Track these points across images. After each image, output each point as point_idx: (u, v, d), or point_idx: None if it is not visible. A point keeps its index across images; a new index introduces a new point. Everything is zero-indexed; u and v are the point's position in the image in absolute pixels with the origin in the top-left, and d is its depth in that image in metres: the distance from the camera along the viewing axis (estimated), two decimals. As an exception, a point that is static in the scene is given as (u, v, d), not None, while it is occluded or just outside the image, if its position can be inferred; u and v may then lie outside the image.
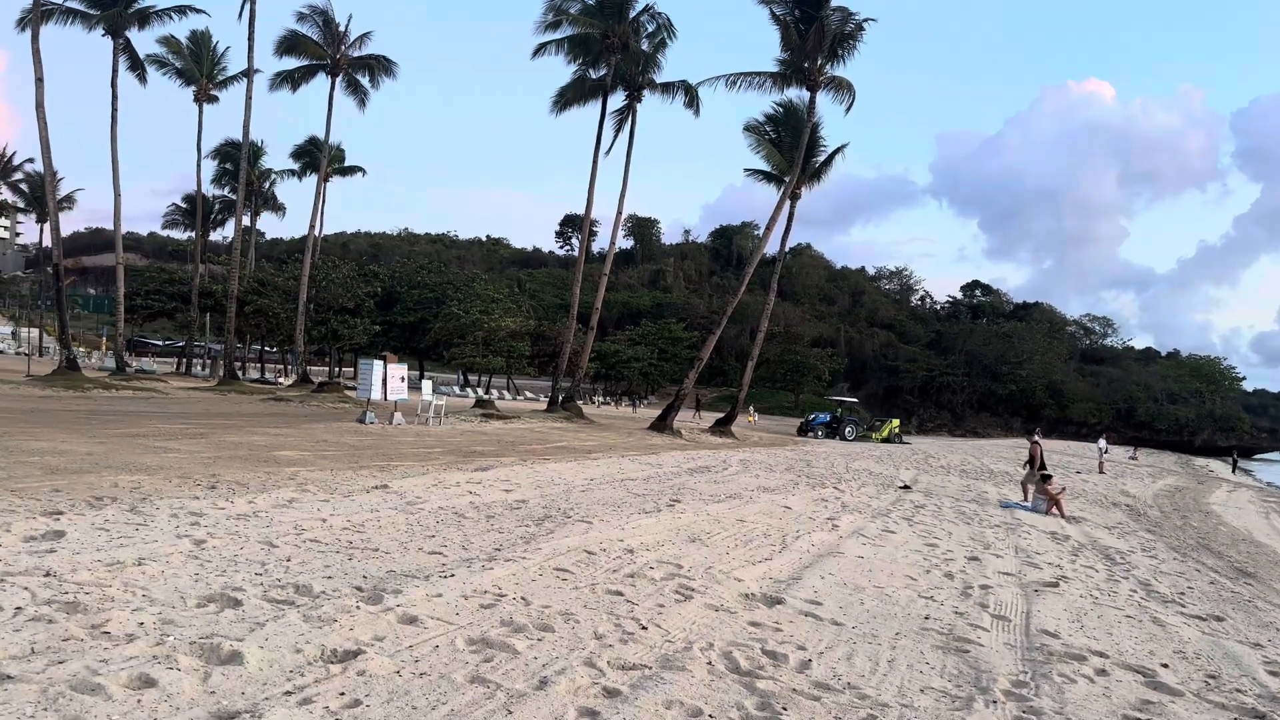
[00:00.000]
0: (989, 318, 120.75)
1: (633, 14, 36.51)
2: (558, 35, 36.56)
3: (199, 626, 4.71)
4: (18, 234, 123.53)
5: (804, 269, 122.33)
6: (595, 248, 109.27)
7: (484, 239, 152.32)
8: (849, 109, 35.47)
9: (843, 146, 39.44)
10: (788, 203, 36.98)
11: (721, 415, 40.00)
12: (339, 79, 42.96)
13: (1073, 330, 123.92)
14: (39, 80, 32.11)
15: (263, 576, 6.01)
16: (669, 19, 36.90)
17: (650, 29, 37.22)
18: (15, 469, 9.95)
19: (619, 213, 39.28)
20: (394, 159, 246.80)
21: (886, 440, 47.91)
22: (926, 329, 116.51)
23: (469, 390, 65.13)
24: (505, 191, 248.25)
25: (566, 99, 38.61)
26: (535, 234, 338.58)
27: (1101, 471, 37.38)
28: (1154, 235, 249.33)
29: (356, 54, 43.29)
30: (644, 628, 5.70)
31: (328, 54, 42.51)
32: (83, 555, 6.09)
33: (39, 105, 32.35)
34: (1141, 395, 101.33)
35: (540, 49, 36.65)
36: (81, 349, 67.56)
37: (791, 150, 36.57)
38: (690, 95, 37.37)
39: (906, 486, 19.71)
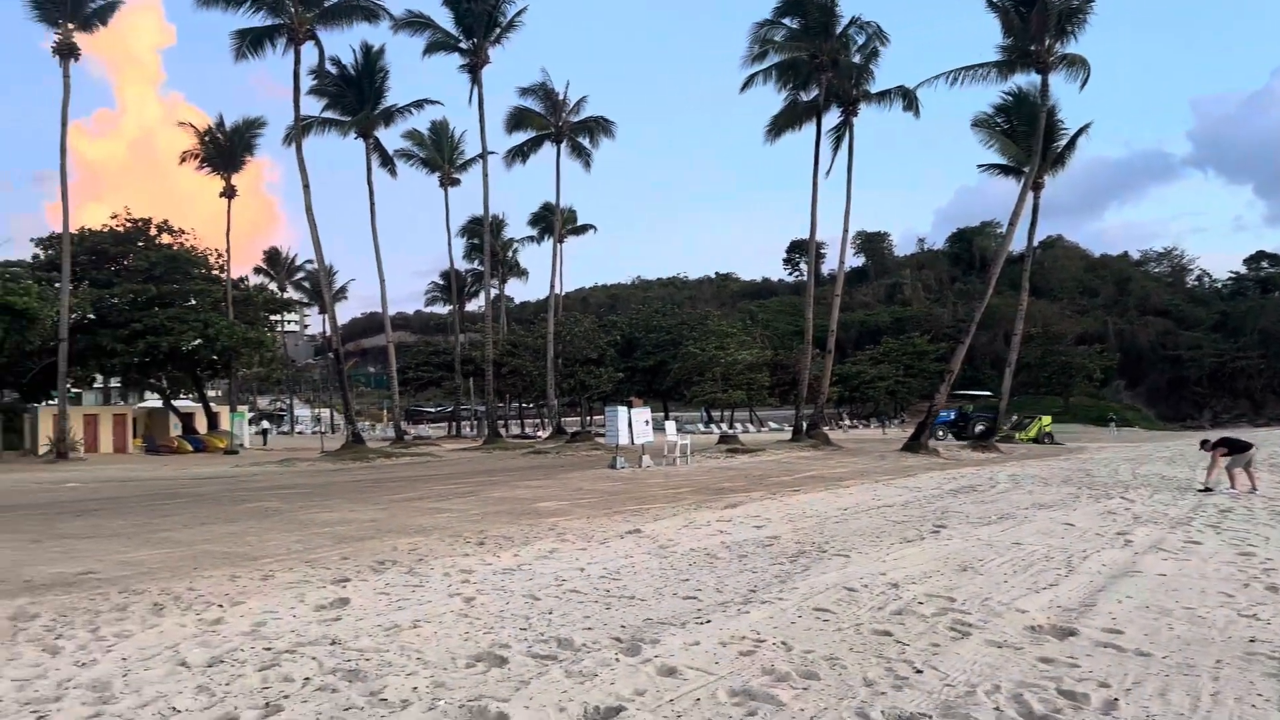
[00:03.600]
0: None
1: (839, 29, 35.89)
2: (765, 65, 36.61)
3: (468, 688, 4.85)
4: (306, 326, 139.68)
5: (1057, 262, 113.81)
6: (825, 269, 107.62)
7: (713, 276, 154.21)
8: (1084, 85, 32.73)
9: (1085, 127, 36.62)
10: (1030, 194, 34.64)
11: (984, 428, 37.67)
12: (563, 145, 45.39)
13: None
14: (305, 187, 36.30)
15: (526, 632, 6.15)
16: (879, 26, 35.94)
17: (860, 40, 36.44)
18: (311, 540, 10.99)
19: (845, 230, 38.50)
20: (621, 210, 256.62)
21: (1035, 440, 41.81)
22: (1209, 311, 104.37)
23: (713, 426, 65.65)
24: (730, 225, 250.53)
25: (779, 126, 38.49)
26: (763, 264, 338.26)
27: None
28: None
29: (576, 119, 45.62)
30: (918, 671, 5.26)
31: (551, 124, 45.08)
32: (364, 621, 6.52)
33: (308, 210, 36.52)
34: None
35: (749, 81, 36.83)
36: (367, 422, 75.06)
37: (1027, 139, 34.27)
38: (909, 99, 36.09)
39: (1207, 489, 17.48)
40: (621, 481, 19.82)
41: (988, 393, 52.36)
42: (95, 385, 56.23)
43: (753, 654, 5.57)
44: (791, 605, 6.97)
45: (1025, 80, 34.49)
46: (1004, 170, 37.59)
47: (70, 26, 35.63)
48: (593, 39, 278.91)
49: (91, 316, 42.26)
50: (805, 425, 37.76)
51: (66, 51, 35.66)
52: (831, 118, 37.70)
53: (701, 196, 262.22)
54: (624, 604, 7.07)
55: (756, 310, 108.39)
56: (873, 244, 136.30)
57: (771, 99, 38.32)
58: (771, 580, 8.05)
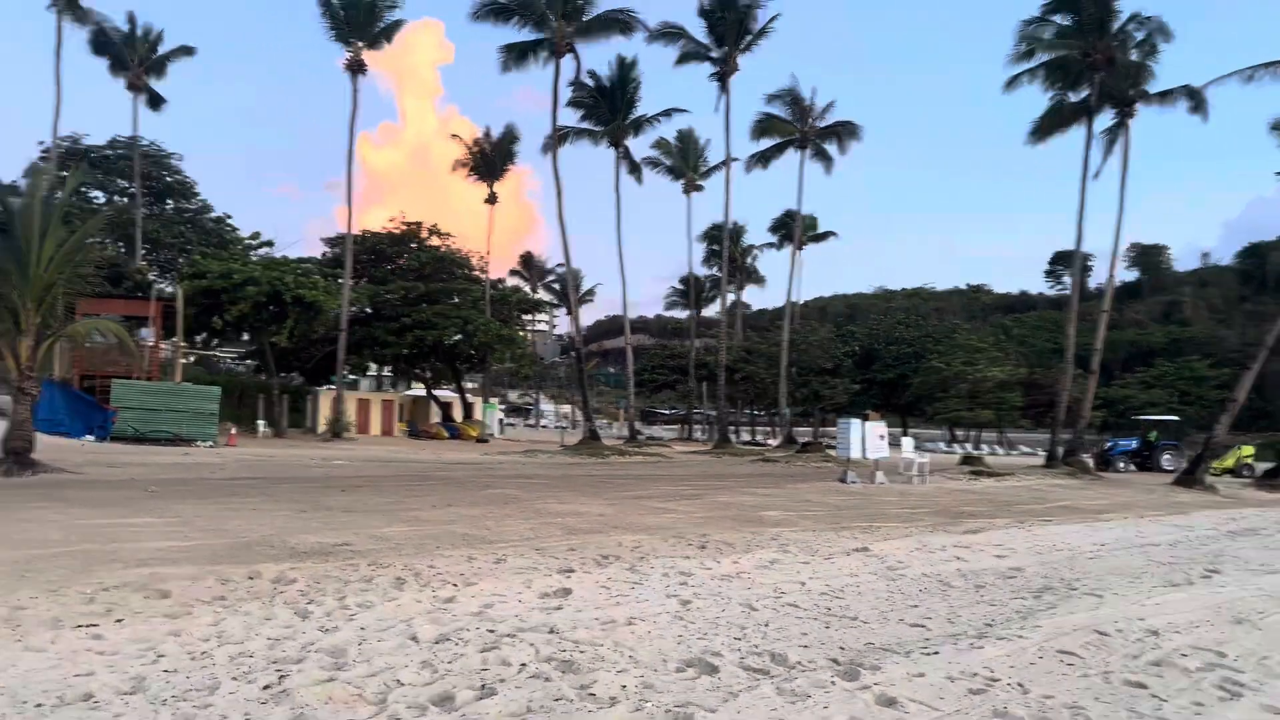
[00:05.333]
0: None
1: (1117, 25, 33.08)
2: (1031, 64, 34.42)
3: (675, 693, 4.78)
4: (554, 326, 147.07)
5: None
6: (1092, 283, 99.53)
7: (963, 287, 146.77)
8: None
9: None
10: (1343, 203, 30.17)
11: (1272, 465, 33.27)
12: (807, 150, 44.88)
13: None
14: (559, 194, 38.25)
15: (740, 641, 6.01)
16: (1162, 22, 32.76)
17: (1139, 37, 33.40)
18: (542, 529, 11.43)
19: (1116, 241, 35.46)
20: (865, 216, 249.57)
21: (1231, 472, 35.51)
22: None
23: (955, 446, 62.36)
24: (983, 234, 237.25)
25: (1045, 128, 36.07)
26: (1020, 276, 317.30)
27: None
28: None
29: (823, 124, 44.96)
30: (1177, 734, 4.63)
31: (796, 129, 44.70)
32: (583, 613, 6.63)
33: (560, 216, 38.58)
34: None
35: (1013, 80, 34.75)
36: (604, 420, 77.84)
37: (1340, 142, 29.93)
38: (1195, 100, 32.63)
39: None
40: (852, 496, 19.20)
41: (1175, 418, 46.27)
42: (369, 373, 62.10)
43: (983, 693, 5.12)
44: (1032, 644, 6.37)
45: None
46: (1310, 177, 33.17)
47: (360, 44, 39.55)
48: (838, 38, 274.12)
49: (368, 310, 46.74)
50: (1062, 451, 34.97)
51: (356, 68, 39.63)
52: (1103, 120, 34.90)
53: (952, 203, 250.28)
54: (845, 624, 6.76)
55: (1011, 325, 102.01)
56: (1148, 257, 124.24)
57: (1033, 100, 36.02)
58: (1011, 615, 7.42)
